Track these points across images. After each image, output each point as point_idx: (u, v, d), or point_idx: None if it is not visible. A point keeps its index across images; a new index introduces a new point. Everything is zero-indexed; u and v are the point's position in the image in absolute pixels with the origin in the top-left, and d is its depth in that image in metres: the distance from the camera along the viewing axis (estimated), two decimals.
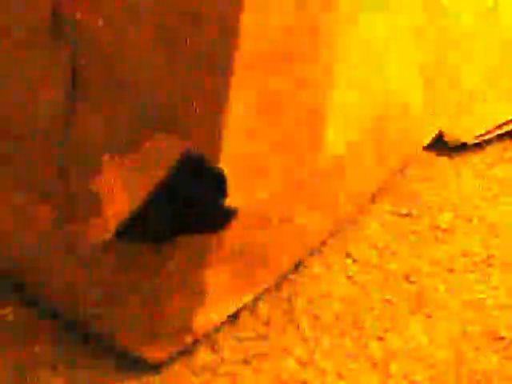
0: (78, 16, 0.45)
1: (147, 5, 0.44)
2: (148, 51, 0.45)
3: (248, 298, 0.54)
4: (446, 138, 0.68)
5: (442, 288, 0.57)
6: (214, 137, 0.45)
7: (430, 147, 0.68)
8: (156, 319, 0.51)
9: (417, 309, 0.56)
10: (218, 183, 0.47)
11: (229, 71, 0.44)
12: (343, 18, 0.52)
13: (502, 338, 0.54)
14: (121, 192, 0.46)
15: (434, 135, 0.67)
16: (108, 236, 0.47)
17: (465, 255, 0.59)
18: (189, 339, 0.52)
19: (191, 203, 0.49)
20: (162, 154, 0.46)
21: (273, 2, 0.45)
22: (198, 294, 0.51)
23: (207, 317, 0.52)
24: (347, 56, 0.54)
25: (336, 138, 0.55)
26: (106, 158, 0.47)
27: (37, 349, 0.53)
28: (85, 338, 0.54)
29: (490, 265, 0.58)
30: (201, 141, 0.45)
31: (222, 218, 0.48)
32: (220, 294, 0.52)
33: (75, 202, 0.48)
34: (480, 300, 0.56)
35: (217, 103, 0.44)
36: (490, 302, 0.56)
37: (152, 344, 0.52)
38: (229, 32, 0.43)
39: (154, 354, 0.52)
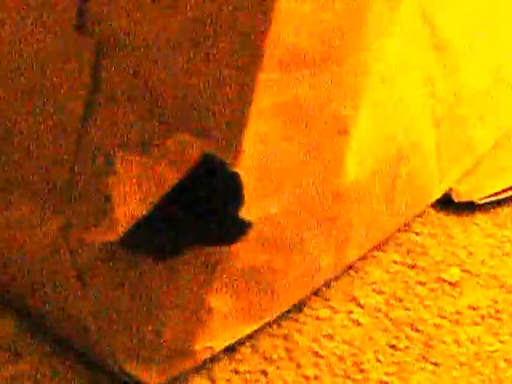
0: (105, 12, 0.45)
1: (173, 5, 0.44)
2: (173, 50, 0.43)
3: (251, 329, 0.52)
4: (455, 196, 0.67)
5: (449, 339, 0.55)
6: (234, 140, 0.43)
7: (438, 204, 0.67)
8: (155, 340, 0.49)
9: (423, 357, 0.54)
10: (235, 189, 0.45)
11: (255, 74, 0.42)
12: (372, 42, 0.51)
13: None
14: (134, 194, 0.44)
15: (443, 192, 0.66)
16: (115, 237, 0.45)
17: (472, 309, 0.58)
18: (189, 364, 0.50)
19: (205, 210, 0.47)
20: (180, 156, 0.44)
21: (308, 3, 0.44)
22: (200, 317, 0.49)
23: (209, 342, 0.50)
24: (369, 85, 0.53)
25: (354, 163, 0.53)
26: (119, 157, 0.45)
27: (24, 366, 0.51)
28: (79, 355, 0.51)
29: (498, 319, 0.57)
30: (221, 144, 0.43)
31: (237, 229, 0.46)
32: (223, 321, 0.50)
33: (84, 204, 0.46)
34: (488, 352, 0.54)
35: (240, 106, 0.43)
36: (498, 354, 0.54)
37: (150, 366, 0.49)
38: (262, 25, 0.42)
39: (151, 377, 0.49)
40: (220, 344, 0.50)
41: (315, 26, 0.45)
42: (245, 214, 0.46)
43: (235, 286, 0.49)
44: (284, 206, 0.48)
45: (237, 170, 0.44)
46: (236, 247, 0.47)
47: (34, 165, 0.49)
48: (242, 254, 0.48)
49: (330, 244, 0.55)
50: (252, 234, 0.47)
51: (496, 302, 0.58)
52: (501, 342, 0.55)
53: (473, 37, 0.68)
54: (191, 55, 0.43)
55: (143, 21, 0.44)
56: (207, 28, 0.43)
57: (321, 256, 0.54)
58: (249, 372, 0.52)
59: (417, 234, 0.64)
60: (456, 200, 0.67)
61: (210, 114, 0.43)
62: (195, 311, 0.48)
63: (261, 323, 0.53)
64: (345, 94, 0.49)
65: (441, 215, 0.66)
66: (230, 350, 0.53)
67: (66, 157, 0.48)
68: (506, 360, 0.54)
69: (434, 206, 0.67)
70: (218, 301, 0.49)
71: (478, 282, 0.60)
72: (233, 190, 0.45)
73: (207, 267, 0.47)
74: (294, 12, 0.43)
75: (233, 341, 0.51)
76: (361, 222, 0.57)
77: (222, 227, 0.46)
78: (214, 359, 0.53)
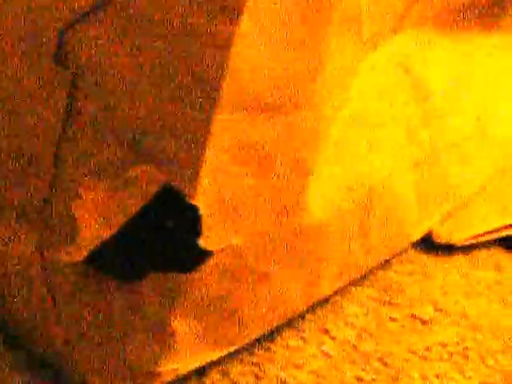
0: (80, 46, 0.47)
1: (147, 48, 0.46)
2: (140, 87, 0.46)
3: (218, 355, 0.54)
4: (435, 238, 0.68)
5: (415, 373, 0.57)
6: (192, 173, 0.46)
7: (417, 244, 0.69)
8: (119, 360, 0.51)
9: None
10: (193, 220, 0.47)
11: (213, 110, 0.45)
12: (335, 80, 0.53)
13: None
14: (98, 217, 0.47)
15: (424, 232, 0.68)
16: (80, 259, 0.47)
17: (441, 345, 0.59)
18: None
19: (165, 237, 0.50)
20: (141, 185, 0.46)
21: (272, 43, 0.47)
22: (164, 340, 0.51)
23: (175, 364, 0.52)
24: (336, 125, 0.56)
25: (320, 203, 0.55)
26: (86, 182, 0.47)
27: None
28: (47, 374, 0.53)
29: (465, 356, 0.58)
30: (179, 176, 0.46)
31: (195, 257, 0.48)
32: (188, 344, 0.52)
33: (56, 225, 0.49)
34: None
35: (197, 143, 0.45)
36: None
37: None
38: (218, 71, 0.45)
39: None
40: (186, 367, 0.52)
41: (271, 73, 0.48)
42: (204, 243, 0.48)
43: (199, 312, 0.51)
44: (246, 239, 0.51)
45: (195, 201, 0.46)
46: (198, 274, 0.49)
47: (11, 186, 0.51)
48: (205, 281, 0.50)
49: (300, 278, 0.57)
50: (214, 263, 0.49)
51: (464, 339, 0.60)
52: (466, 378, 0.57)
53: (453, 88, 0.70)
54: (155, 94, 0.46)
55: (114, 57, 0.47)
56: (169, 71, 0.46)
57: (290, 289, 0.56)
58: None
59: (395, 271, 0.66)
60: (436, 241, 0.68)
61: (171, 148, 0.46)
62: (159, 333, 0.50)
63: (228, 350, 0.54)
64: (303, 138, 0.51)
65: (420, 254, 0.68)
66: (199, 373, 0.55)
67: (41, 181, 0.50)
68: None
69: (414, 245, 0.68)
70: (182, 325, 0.51)
71: (449, 320, 0.61)
72: (191, 220, 0.47)
73: (170, 292, 0.49)
74: (250, 59, 0.46)
75: (199, 364, 0.53)
76: (333, 258, 0.59)
77: (180, 255, 0.48)
78: (181, 382, 0.54)
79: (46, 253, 0.50)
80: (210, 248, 0.49)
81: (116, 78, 0.48)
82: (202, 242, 0.48)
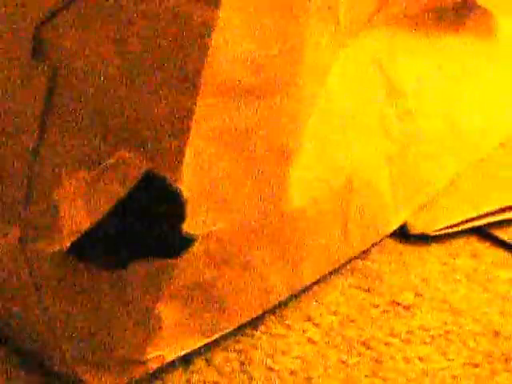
0: (58, 39, 0.48)
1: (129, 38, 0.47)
2: (120, 76, 0.46)
3: (203, 342, 0.54)
4: (410, 229, 0.69)
5: (398, 356, 0.57)
6: (176, 159, 0.46)
7: (395, 234, 0.69)
8: (105, 348, 0.51)
9: (373, 372, 0.56)
10: (177, 206, 0.48)
11: (195, 96, 0.45)
12: (312, 71, 0.54)
13: None
14: (80, 206, 0.47)
15: (400, 223, 0.69)
16: (62, 248, 0.47)
17: (423, 329, 0.60)
18: (140, 371, 0.51)
19: (149, 224, 0.50)
20: (123, 172, 0.46)
21: (251, 28, 0.47)
22: (150, 327, 0.51)
23: (159, 351, 0.52)
24: (313, 117, 0.56)
25: (299, 191, 0.56)
26: (68, 171, 0.47)
27: None
28: (34, 364, 0.53)
29: (447, 339, 0.59)
30: (163, 162, 0.46)
31: (180, 243, 0.48)
32: (173, 331, 0.52)
33: (38, 216, 0.49)
34: (436, 370, 0.56)
35: (180, 126, 0.46)
36: (445, 372, 0.56)
37: (102, 372, 0.51)
38: (198, 56, 0.45)
39: (104, 382, 0.51)
40: (171, 353, 0.52)
41: (250, 58, 0.48)
42: (188, 228, 0.48)
43: (184, 299, 0.51)
44: (229, 225, 0.51)
45: (178, 186, 0.46)
46: (182, 261, 0.49)
47: None
48: (188, 268, 0.50)
49: (283, 265, 0.57)
50: (197, 249, 0.50)
51: (446, 323, 0.60)
52: (448, 360, 0.57)
53: (423, 87, 0.71)
54: (136, 82, 0.46)
55: (93, 47, 0.47)
56: (150, 59, 0.46)
57: (272, 276, 0.56)
58: (201, 383, 0.54)
59: (373, 261, 0.66)
60: (411, 232, 0.69)
61: (154, 134, 0.46)
62: (144, 321, 0.50)
63: (213, 337, 0.54)
64: (284, 122, 0.52)
65: (398, 244, 0.69)
66: (185, 361, 0.55)
67: (21, 174, 0.50)
68: (452, 377, 0.56)
69: (391, 235, 0.69)
70: (168, 312, 0.51)
71: (430, 306, 0.62)
72: (174, 205, 0.48)
73: (155, 279, 0.49)
74: (230, 44, 0.47)
75: (184, 352, 0.53)
76: (314, 247, 0.59)
77: (165, 241, 0.48)
78: (168, 370, 0.54)
79: (28, 245, 0.50)
80: (194, 233, 0.49)
81: (95, 69, 0.48)
82: (186, 227, 0.48)
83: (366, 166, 0.63)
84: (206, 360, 0.55)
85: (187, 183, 0.47)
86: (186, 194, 0.47)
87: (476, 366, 0.57)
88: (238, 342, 0.57)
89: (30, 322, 0.51)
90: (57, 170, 0.47)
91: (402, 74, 0.70)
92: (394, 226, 0.68)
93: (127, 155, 0.47)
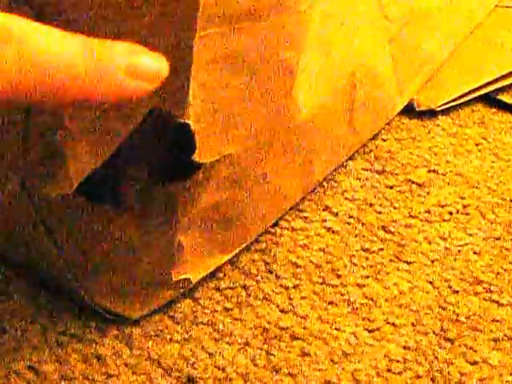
0: None
1: None
2: (122, 9, 0.44)
3: (224, 259, 0.54)
4: (416, 106, 0.68)
5: (420, 237, 0.57)
6: (180, 93, 0.45)
7: (400, 113, 0.69)
8: (131, 278, 0.51)
9: (396, 257, 0.56)
10: (186, 139, 0.47)
11: (194, 31, 0.44)
12: None
13: (481, 282, 0.54)
14: (86, 147, 0.46)
15: (404, 104, 0.68)
16: (69, 191, 0.46)
17: (440, 206, 0.60)
18: (166, 296, 0.52)
19: (159, 160, 0.49)
20: (128, 109, 0.45)
21: None
22: (173, 252, 0.51)
23: (184, 275, 0.52)
24: (313, 20, 0.55)
25: (307, 98, 0.55)
26: (71, 112, 0.46)
27: (9, 305, 0.52)
28: (58, 294, 0.53)
29: (465, 214, 0.59)
30: (168, 97, 0.45)
31: (190, 169, 0.48)
32: (195, 255, 0.52)
33: (38, 160, 0.47)
34: (458, 247, 0.57)
35: (182, 60, 0.44)
36: (467, 248, 0.56)
37: (128, 300, 0.51)
38: None
39: (133, 311, 0.51)
40: (196, 276, 0.52)
41: None
42: (200, 158, 0.47)
43: (202, 223, 0.52)
44: (241, 146, 0.51)
45: (186, 120, 0.45)
46: (197, 187, 0.49)
47: None
48: (204, 193, 0.50)
49: (295, 172, 0.57)
50: (211, 174, 0.49)
51: (463, 197, 0.60)
52: (469, 235, 0.57)
53: None
54: (134, 20, 0.44)
55: None
56: None
57: (286, 184, 0.56)
58: (230, 288, 0.54)
59: (383, 140, 0.66)
60: (417, 109, 0.68)
61: None
62: (167, 249, 0.50)
63: (234, 252, 0.55)
64: (285, 39, 0.51)
65: (404, 120, 0.68)
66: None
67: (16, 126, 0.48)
68: (475, 253, 0.56)
69: (397, 114, 0.68)
70: (188, 238, 0.51)
71: (444, 181, 0.62)
72: (184, 139, 0.47)
73: (172, 208, 0.49)
74: None
75: (208, 271, 0.53)
76: (324, 147, 0.59)
77: (176, 173, 0.48)
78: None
79: (31, 189, 0.49)
80: (205, 161, 0.48)
81: (90, 12, 0.45)
82: (196, 157, 0.48)
83: (368, 54, 0.62)
84: (231, 264, 0.55)
85: (195, 115, 0.46)
86: (194, 124, 0.46)
87: (497, 238, 0.57)
88: (259, 241, 0.57)
89: (44, 260, 0.51)
90: (60, 111, 0.46)
91: None
92: (400, 106, 0.67)
93: None
